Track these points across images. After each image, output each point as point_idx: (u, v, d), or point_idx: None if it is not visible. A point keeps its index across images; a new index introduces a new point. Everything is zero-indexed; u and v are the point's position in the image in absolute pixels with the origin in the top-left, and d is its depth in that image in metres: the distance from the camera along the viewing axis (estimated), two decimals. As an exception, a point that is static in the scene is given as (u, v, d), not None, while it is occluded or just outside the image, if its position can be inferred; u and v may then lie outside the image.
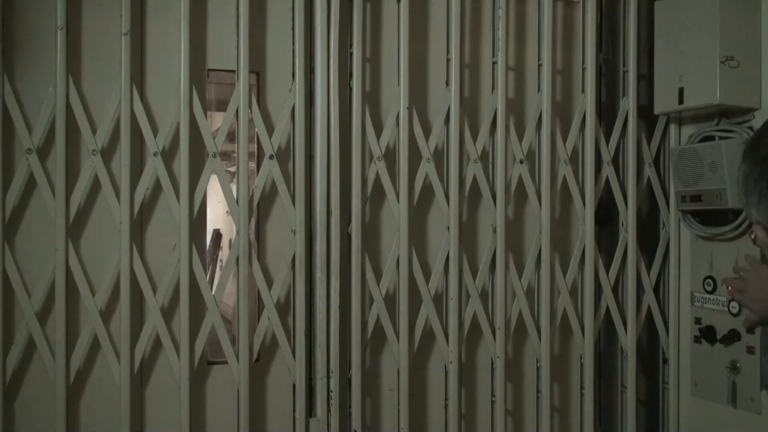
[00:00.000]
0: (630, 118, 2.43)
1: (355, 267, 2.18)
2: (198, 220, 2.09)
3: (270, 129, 2.14)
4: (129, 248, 1.98)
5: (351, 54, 2.20)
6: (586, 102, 2.40)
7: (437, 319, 2.26)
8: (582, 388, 2.46)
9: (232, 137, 2.12)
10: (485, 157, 2.35)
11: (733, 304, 2.22)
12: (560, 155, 2.39)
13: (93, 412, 2.03)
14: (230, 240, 6.02)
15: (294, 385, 2.16)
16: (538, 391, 2.42)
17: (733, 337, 2.22)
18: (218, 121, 2.14)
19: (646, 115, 2.47)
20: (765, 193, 1.12)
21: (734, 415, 2.23)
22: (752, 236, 1.26)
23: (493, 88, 2.36)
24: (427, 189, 2.27)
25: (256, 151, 2.21)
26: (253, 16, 2.11)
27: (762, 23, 2.17)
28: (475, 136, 2.30)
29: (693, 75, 2.19)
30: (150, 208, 2.08)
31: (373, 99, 2.27)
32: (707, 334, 2.29)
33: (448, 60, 2.31)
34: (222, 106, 2.15)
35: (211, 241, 6.70)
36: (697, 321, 2.36)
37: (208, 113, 2.12)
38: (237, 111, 2.09)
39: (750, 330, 2.12)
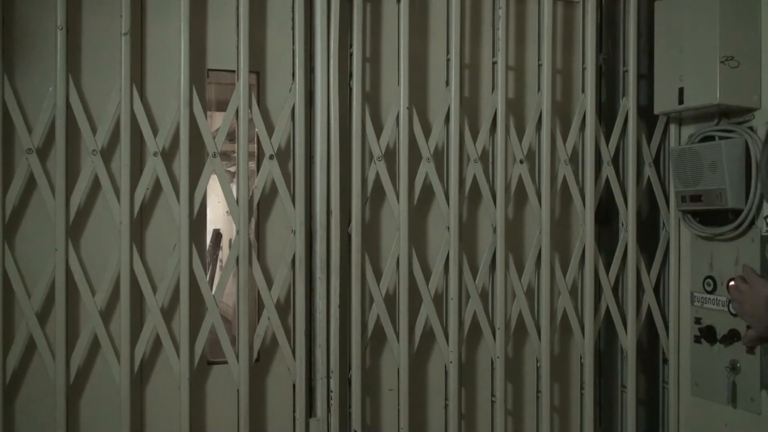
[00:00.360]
0: (630, 118, 2.43)
1: (355, 267, 2.18)
2: (198, 220, 2.09)
3: (270, 129, 2.14)
4: (129, 248, 1.98)
5: (351, 54, 2.20)
6: (586, 102, 2.40)
7: (437, 319, 2.26)
8: (582, 388, 2.46)
9: (232, 137, 2.12)
10: (485, 157, 2.35)
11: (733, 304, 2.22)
12: (560, 155, 2.39)
13: (93, 412, 2.03)
14: (230, 240, 6.02)
15: (294, 385, 2.16)
16: (538, 391, 2.43)
17: (733, 337, 2.21)
18: (218, 121, 2.14)
19: (646, 115, 2.48)
20: None
21: (734, 415, 2.23)
22: None
23: (493, 88, 2.36)
24: (427, 189, 2.27)
25: (256, 151, 2.21)
26: (253, 16, 2.11)
27: (762, 23, 2.17)
28: (475, 136, 2.30)
29: (693, 75, 2.19)
30: (150, 208, 2.08)
31: (373, 99, 2.27)
32: (707, 334, 2.29)
33: (448, 60, 2.31)
34: (222, 106, 2.15)
35: (211, 241, 6.70)
36: (697, 321, 2.36)
37: (208, 113, 2.12)
38: (237, 111, 2.09)
39: (750, 350, 2.08)
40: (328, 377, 2.17)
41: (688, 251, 2.42)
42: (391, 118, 2.22)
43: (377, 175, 2.21)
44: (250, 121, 2.11)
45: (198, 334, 2.06)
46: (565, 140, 2.40)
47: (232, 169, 2.97)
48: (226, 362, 2.11)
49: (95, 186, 2.00)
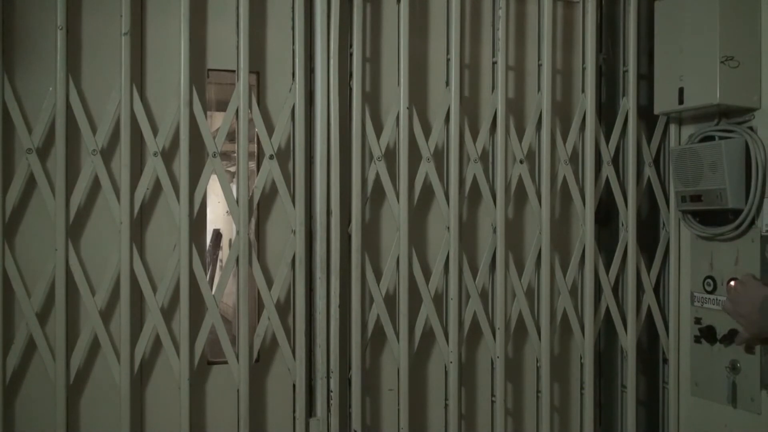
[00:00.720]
0: (630, 118, 2.43)
1: (355, 267, 2.18)
2: (198, 220, 2.09)
3: (270, 129, 2.14)
4: (129, 248, 1.98)
5: (351, 54, 2.20)
6: (586, 102, 2.40)
7: (437, 319, 2.26)
8: (582, 388, 2.46)
9: (232, 137, 2.12)
10: (485, 157, 2.35)
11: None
12: (560, 155, 2.39)
13: (93, 412, 2.03)
14: (230, 240, 6.02)
15: (294, 385, 2.16)
16: (538, 391, 2.42)
17: (732, 337, 2.21)
18: (218, 121, 2.14)
19: (646, 115, 2.47)
20: None
21: (734, 415, 2.23)
22: None
23: (493, 88, 2.36)
24: (427, 189, 2.27)
25: (256, 151, 2.21)
26: (253, 16, 2.11)
27: (762, 23, 2.18)
28: (475, 136, 2.30)
29: (693, 75, 2.19)
30: (150, 208, 2.08)
31: (373, 99, 2.27)
32: (707, 334, 2.29)
33: (448, 60, 2.31)
34: (222, 106, 2.15)
35: (211, 241, 6.70)
36: (697, 321, 2.36)
37: (208, 113, 2.12)
38: (237, 111, 2.09)
39: (750, 350, 2.06)
40: (328, 377, 2.17)
41: (688, 251, 2.42)
42: (391, 118, 2.22)
43: (377, 175, 2.21)
44: (250, 121, 2.11)
45: (198, 334, 2.06)
46: (565, 140, 2.40)
47: (232, 169, 2.97)
48: (226, 362, 2.11)
49: (95, 186, 2.00)
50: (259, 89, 2.19)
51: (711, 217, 2.29)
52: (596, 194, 2.42)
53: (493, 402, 2.38)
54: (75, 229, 1.98)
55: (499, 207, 2.30)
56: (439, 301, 2.31)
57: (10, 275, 1.91)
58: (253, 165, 2.21)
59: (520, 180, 2.34)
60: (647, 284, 2.48)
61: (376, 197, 2.25)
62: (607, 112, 2.53)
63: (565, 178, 2.39)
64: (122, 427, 1.98)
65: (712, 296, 2.31)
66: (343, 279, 2.17)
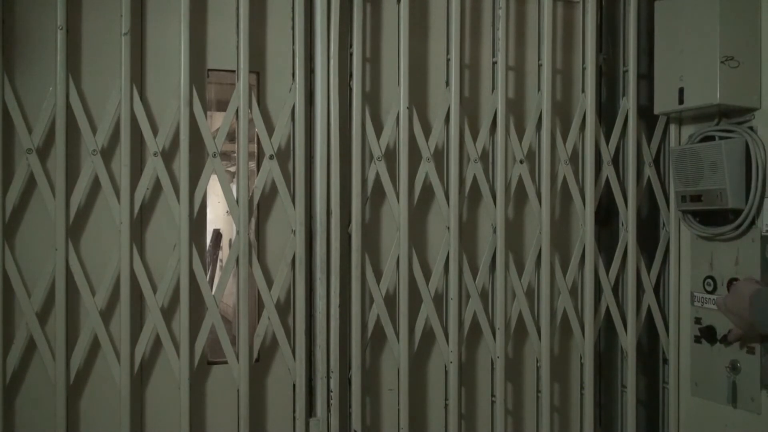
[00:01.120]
0: (630, 118, 2.43)
1: (355, 267, 2.18)
2: (198, 220, 2.09)
3: (270, 129, 2.14)
4: (129, 248, 1.98)
5: (351, 54, 2.20)
6: (586, 102, 2.40)
7: (437, 319, 2.26)
8: (582, 388, 2.46)
9: (232, 137, 2.12)
10: (485, 157, 2.35)
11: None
12: (560, 155, 2.39)
13: (93, 412, 2.03)
14: (230, 240, 6.03)
15: (294, 385, 2.16)
16: (538, 391, 2.43)
17: (733, 337, 2.22)
18: (218, 121, 2.14)
19: (646, 115, 2.47)
20: None
21: (734, 415, 2.23)
22: None
23: (493, 88, 2.36)
24: (427, 189, 2.27)
25: (256, 151, 2.21)
26: (253, 16, 2.11)
27: (762, 23, 2.18)
28: (475, 136, 2.30)
29: (693, 75, 2.19)
30: (150, 208, 2.08)
31: (373, 99, 2.27)
32: (707, 334, 2.29)
33: (448, 60, 2.31)
34: (222, 106, 2.15)
35: (211, 241, 6.71)
36: (697, 321, 2.36)
37: (208, 113, 2.12)
38: (237, 111, 2.09)
39: (750, 349, 2.08)
40: (328, 377, 2.17)
41: (688, 251, 2.42)
42: (391, 118, 2.22)
43: (377, 175, 2.21)
44: (250, 121, 2.11)
45: (198, 334, 2.06)
46: (565, 140, 2.40)
47: (232, 169, 2.97)
48: (226, 362, 2.11)
49: (95, 186, 2.00)
50: (259, 89, 2.19)
51: (711, 217, 2.29)
52: (596, 194, 2.42)
53: (493, 402, 2.38)
54: (75, 229, 1.98)
55: (499, 207, 2.30)
56: (439, 301, 2.31)
57: (10, 275, 1.91)
58: (253, 165, 2.20)
59: (520, 180, 2.34)
60: (647, 284, 2.48)
61: (376, 197, 2.25)
62: (607, 112, 2.53)
63: (565, 178, 2.39)
64: (122, 427, 1.98)
65: (712, 296, 2.30)
66: (343, 279, 2.17)
